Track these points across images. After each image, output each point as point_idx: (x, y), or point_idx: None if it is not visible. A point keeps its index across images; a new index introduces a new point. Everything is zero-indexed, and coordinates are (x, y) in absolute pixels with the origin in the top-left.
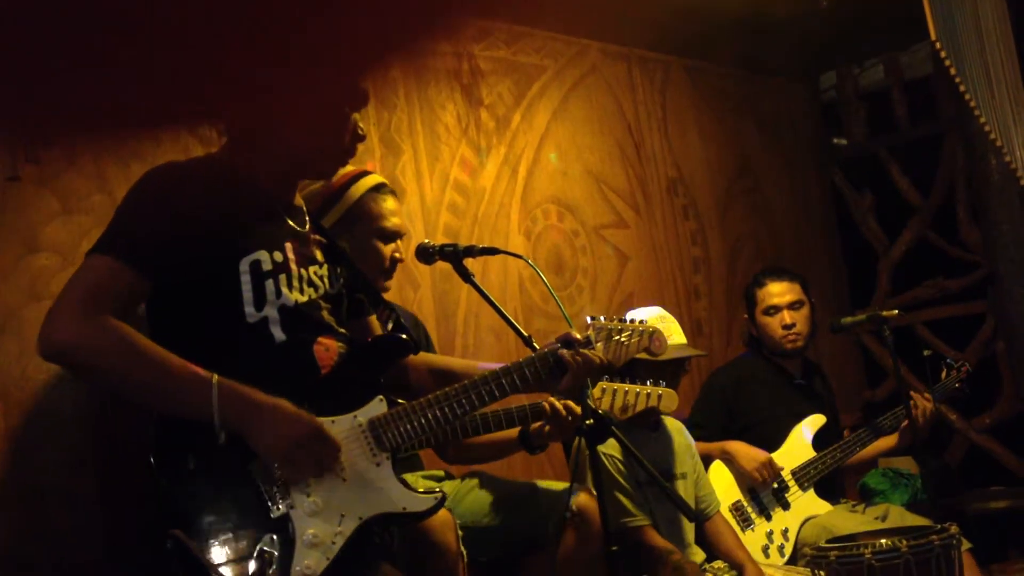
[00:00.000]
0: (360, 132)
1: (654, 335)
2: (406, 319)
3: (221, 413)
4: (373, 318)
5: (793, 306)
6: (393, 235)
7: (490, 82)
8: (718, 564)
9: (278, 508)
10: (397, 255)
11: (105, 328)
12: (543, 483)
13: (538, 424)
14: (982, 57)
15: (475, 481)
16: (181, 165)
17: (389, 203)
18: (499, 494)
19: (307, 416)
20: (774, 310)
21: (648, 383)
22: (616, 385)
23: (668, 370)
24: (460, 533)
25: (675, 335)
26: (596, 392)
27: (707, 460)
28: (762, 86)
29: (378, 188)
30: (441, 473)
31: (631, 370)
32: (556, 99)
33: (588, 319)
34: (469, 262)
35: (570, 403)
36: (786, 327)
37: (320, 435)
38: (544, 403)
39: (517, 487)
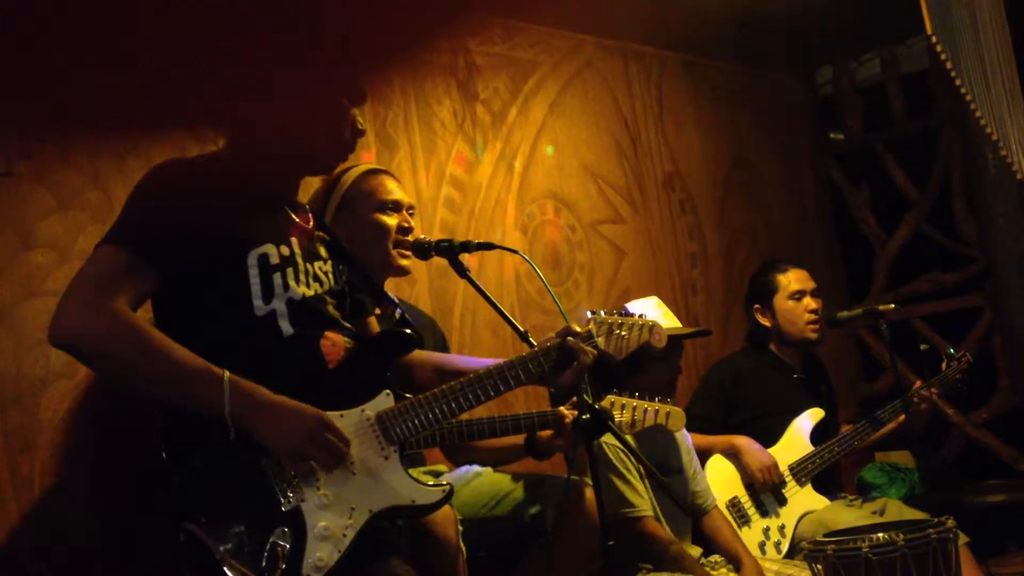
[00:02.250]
0: (359, 126)
1: (654, 329)
2: (423, 322)
3: (232, 409)
4: (373, 319)
5: (814, 293)
6: (393, 205)
7: (486, 77)
8: (715, 558)
9: (289, 501)
10: (405, 224)
11: (115, 316)
12: (541, 475)
13: (546, 432)
14: (978, 52)
15: (473, 473)
16: (187, 160)
17: (384, 180)
18: (497, 486)
19: (311, 409)
20: (800, 295)
21: (657, 400)
22: (625, 400)
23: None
24: (460, 528)
25: (671, 319)
26: (605, 404)
27: (707, 454)
28: (758, 80)
29: (373, 171)
30: (444, 469)
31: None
32: (552, 94)
33: (589, 313)
34: (465, 257)
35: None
36: (812, 311)
37: (328, 426)
38: (561, 411)
39: (515, 479)
